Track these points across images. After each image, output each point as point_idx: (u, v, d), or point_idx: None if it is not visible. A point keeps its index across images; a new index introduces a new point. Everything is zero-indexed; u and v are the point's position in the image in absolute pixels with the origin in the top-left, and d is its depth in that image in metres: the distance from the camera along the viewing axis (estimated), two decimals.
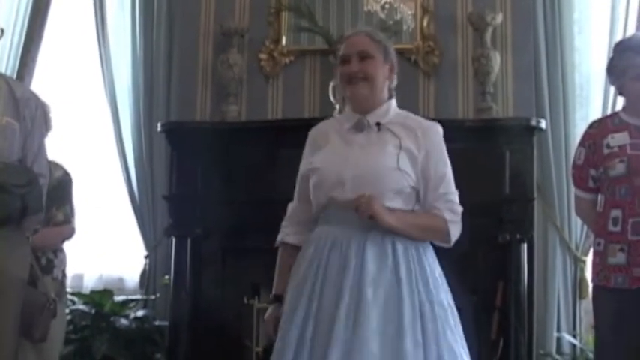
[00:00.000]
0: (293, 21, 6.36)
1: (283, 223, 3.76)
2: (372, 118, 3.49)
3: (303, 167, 3.64)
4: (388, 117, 3.52)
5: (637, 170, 4.08)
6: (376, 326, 3.20)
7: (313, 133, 3.70)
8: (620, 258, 4.09)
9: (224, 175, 5.92)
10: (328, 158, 3.47)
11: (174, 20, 6.73)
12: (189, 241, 6.00)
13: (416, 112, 5.85)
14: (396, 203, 3.37)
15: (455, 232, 3.44)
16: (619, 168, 4.13)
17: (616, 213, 4.14)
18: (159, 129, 6.21)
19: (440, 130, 3.54)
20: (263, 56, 6.33)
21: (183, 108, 6.43)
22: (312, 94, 6.25)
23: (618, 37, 5.89)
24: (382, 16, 6.22)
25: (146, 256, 6.66)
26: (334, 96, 5.97)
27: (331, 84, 5.98)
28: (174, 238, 6.05)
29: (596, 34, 6.24)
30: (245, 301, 5.90)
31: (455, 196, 3.48)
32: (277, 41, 6.36)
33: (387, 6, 6.24)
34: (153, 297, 6.58)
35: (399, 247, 3.36)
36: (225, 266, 6.02)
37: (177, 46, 6.68)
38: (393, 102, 3.59)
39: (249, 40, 6.36)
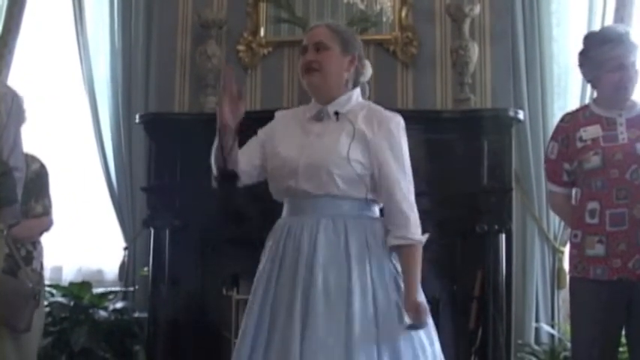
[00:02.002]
0: (271, 12, 6.34)
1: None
2: (331, 108, 3.53)
3: (262, 132, 3.70)
4: (348, 106, 3.55)
5: (612, 162, 4.10)
6: (324, 312, 3.25)
7: (279, 115, 3.76)
8: (599, 250, 4.11)
9: (202, 167, 5.84)
10: (285, 147, 3.52)
11: (153, 11, 6.70)
12: (167, 232, 5.98)
13: (394, 103, 5.96)
14: (348, 191, 3.42)
15: (419, 233, 3.46)
16: (594, 160, 4.15)
17: (593, 205, 4.15)
18: (137, 120, 6.19)
19: (400, 121, 3.56)
20: (241, 47, 6.33)
21: (162, 99, 6.43)
22: (290, 85, 6.25)
23: (596, 28, 5.91)
24: (362, 7, 6.22)
25: (125, 248, 6.63)
26: None
27: None
28: (153, 230, 6.03)
29: (574, 26, 6.23)
30: (224, 292, 5.90)
31: (409, 194, 3.48)
32: (255, 32, 6.36)
33: None
34: (132, 289, 6.57)
35: (352, 232, 3.40)
36: (203, 258, 6.01)
37: (155, 38, 6.66)
38: (356, 92, 3.62)
39: (227, 31, 6.36)
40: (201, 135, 5.88)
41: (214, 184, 3.74)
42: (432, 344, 3.40)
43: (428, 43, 6.24)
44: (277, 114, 3.77)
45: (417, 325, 3.29)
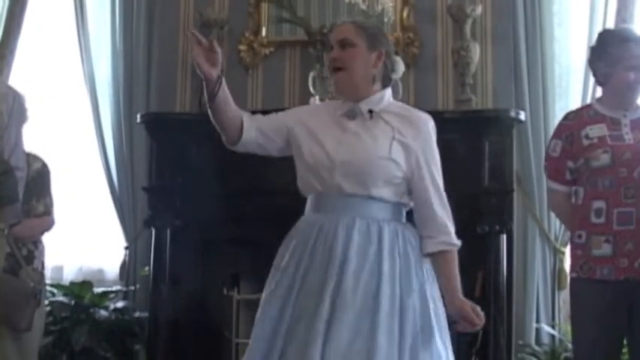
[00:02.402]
0: (273, 12, 6.34)
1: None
2: (364, 106, 3.46)
3: (286, 115, 3.62)
4: (381, 105, 3.48)
5: (621, 161, 4.09)
6: (351, 321, 3.17)
7: (313, 104, 3.83)
8: (606, 249, 4.09)
9: (204, 166, 5.90)
10: (324, 139, 3.44)
11: (154, 11, 6.70)
12: (168, 232, 5.98)
13: None
14: (385, 192, 3.37)
15: (456, 237, 3.47)
16: (604, 158, 4.13)
17: (599, 204, 4.13)
18: (138, 120, 6.19)
19: (431, 122, 3.50)
20: (243, 47, 6.33)
21: (163, 99, 6.42)
22: (291, 85, 6.25)
23: (598, 30, 5.87)
24: (363, 7, 6.20)
25: (126, 248, 6.64)
26: (314, 87, 5.98)
27: (311, 75, 5.99)
28: (154, 230, 6.03)
29: (575, 26, 6.24)
30: (225, 292, 5.90)
31: (444, 199, 3.45)
32: (257, 32, 6.36)
33: None
34: (132, 288, 6.57)
35: (386, 237, 3.34)
36: (204, 258, 6.01)
37: (156, 37, 6.66)
38: (388, 91, 3.54)
39: (228, 31, 6.35)
40: (203, 135, 5.93)
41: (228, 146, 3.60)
42: (446, 349, 3.36)
43: (429, 44, 6.23)
44: (312, 105, 3.78)
45: (468, 325, 3.32)
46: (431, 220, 3.42)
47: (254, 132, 3.51)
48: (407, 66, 6.11)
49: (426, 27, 6.25)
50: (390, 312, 3.22)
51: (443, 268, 3.43)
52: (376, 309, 3.21)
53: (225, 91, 3.42)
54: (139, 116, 6.19)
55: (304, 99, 6.05)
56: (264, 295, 3.43)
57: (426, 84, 6.15)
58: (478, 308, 3.36)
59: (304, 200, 5.49)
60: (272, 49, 6.38)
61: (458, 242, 3.46)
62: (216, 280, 5.96)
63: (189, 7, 6.46)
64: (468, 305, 3.36)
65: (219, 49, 3.32)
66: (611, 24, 5.96)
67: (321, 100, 5.91)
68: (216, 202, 5.81)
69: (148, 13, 6.73)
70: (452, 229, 3.44)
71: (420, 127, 3.44)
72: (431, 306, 3.34)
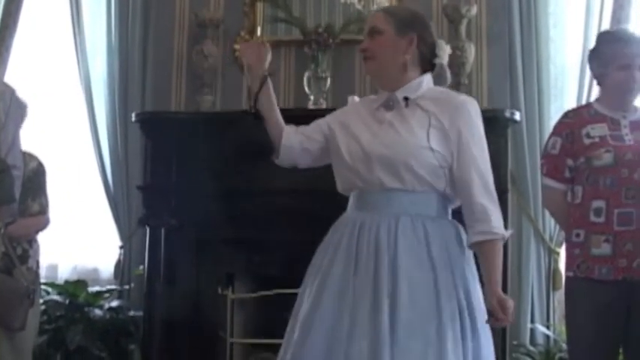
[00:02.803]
0: (268, 11, 6.32)
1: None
2: (400, 94, 3.36)
3: (334, 119, 3.54)
4: (419, 92, 3.37)
5: (623, 161, 4.11)
6: (417, 328, 3.07)
7: (352, 102, 3.72)
8: (605, 249, 4.11)
9: (199, 166, 5.89)
10: (360, 134, 3.36)
11: (150, 10, 6.68)
12: (163, 231, 5.97)
13: None
14: (427, 185, 3.25)
15: (502, 227, 3.30)
16: (606, 158, 4.14)
17: (598, 204, 4.15)
18: (133, 119, 6.17)
19: (477, 106, 3.41)
20: (238, 47, 6.30)
21: (159, 98, 6.40)
22: (287, 84, 6.22)
23: (593, 30, 5.93)
24: (359, 7, 6.19)
25: (121, 247, 6.64)
26: (309, 87, 5.97)
27: (306, 74, 5.98)
28: (148, 229, 6.02)
29: (571, 27, 6.26)
30: (219, 291, 5.89)
31: (489, 185, 3.32)
32: (252, 32, 6.31)
33: None
34: (127, 287, 6.57)
35: (432, 235, 3.23)
36: (199, 257, 5.99)
37: (152, 36, 6.65)
38: (427, 77, 3.44)
39: (224, 31, 6.33)
40: (198, 134, 5.95)
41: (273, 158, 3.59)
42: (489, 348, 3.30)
43: None
44: (350, 100, 3.72)
45: (502, 321, 3.17)
46: (474, 209, 3.26)
47: (296, 136, 3.51)
48: None
49: None
50: (452, 315, 3.13)
51: (483, 259, 3.26)
52: (439, 314, 3.11)
53: (270, 93, 3.48)
54: (133, 115, 6.17)
55: (299, 99, 6.04)
56: (305, 290, 3.35)
57: None
58: (509, 303, 3.16)
59: (301, 200, 5.55)
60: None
61: (502, 232, 3.27)
62: (210, 280, 5.95)
63: (185, 6, 6.44)
64: (495, 298, 3.17)
65: (268, 46, 3.46)
66: (606, 25, 5.98)
67: (316, 100, 5.92)
68: (211, 202, 5.80)
69: (144, 12, 6.72)
70: (495, 216, 3.26)
71: (460, 109, 3.32)
72: (478, 305, 3.25)
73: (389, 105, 3.39)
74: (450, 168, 3.28)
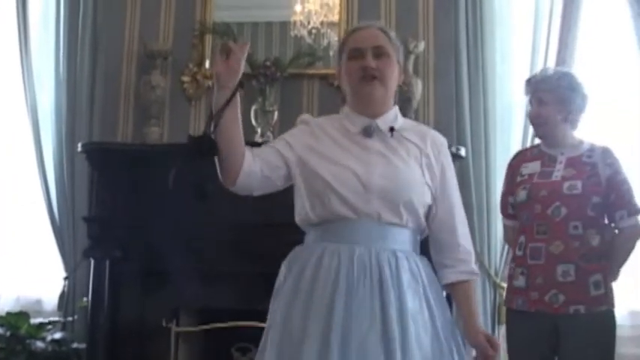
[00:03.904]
0: (218, 44, 6.31)
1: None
2: (382, 123, 3.18)
3: (296, 143, 3.22)
4: (398, 123, 3.22)
5: (537, 197, 4.29)
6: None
7: (312, 122, 3.30)
8: (521, 281, 4.33)
9: (144, 197, 5.86)
10: (341, 161, 3.11)
11: (99, 40, 6.66)
12: (107, 263, 5.92)
13: None
14: (416, 221, 3.13)
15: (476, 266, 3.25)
16: (521, 195, 4.38)
17: (521, 238, 4.38)
18: (79, 149, 6.12)
19: (445, 142, 3.33)
20: (186, 78, 6.30)
21: (106, 128, 6.37)
22: None
23: (539, 67, 5.99)
24: (309, 41, 6.25)
25: (65, 278, 6.57)
26: (256, 120, 5.97)
27: (253, 108, 5.99)
28: (93, 260, 5.96)
29: (518, 63, 6.32)
30: (164, 324, 5.84)
31: (466, 225, 3.26)
32: (200, 64, 6.34)
33: (313, 31, 6.27)
34: (71, 319, 6.49)
35: (424, 274, 3.12)
36: (144, 289, 5.95)
37: (100, 66, 6.62)
38: (396, 107, 3.30)
39: (172, 62, 6.33)
40: (144, 166, 5.92)
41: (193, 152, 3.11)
42: None
43: None
44: (309, 119, 3.34)
45: (492, 358, 3.11)
46: (453, 248, 3.19)
47: (255, 161, 3.15)
48: None
49: None
50: (450, 356, 3.06)
51: (463, 298, 3.19)
52: (441, 356, 3.02)
53: (237, 108, 3.06)
54: (80, 145, 6.13)
55: (246, 132, 5.97)
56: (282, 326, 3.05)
57: None
58: (495, 338, 3.16)
59: (246, 232, 5.52)
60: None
61: (477, 272, 3.23)
62: (155, 312, 5.90)
63: (134, 38, 6.43)
64: (482, 335, 3.13)
65: (243, 61, 3.02)
66: (552, 62, 6.05)
67: (263, 133, 5.91)
68: (156, 234, 5.76)
69: (93, 41, 6.69)
70: (473, 257, 3.23)
71: (443, 147, 3.27)
72: (461, 342, 3.17)
73: (368, 132, 3.17)
74: (431, 206, 3.18)
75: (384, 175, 3.07)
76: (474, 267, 3.22)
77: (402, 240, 3.10)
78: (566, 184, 4.26)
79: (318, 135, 3.23)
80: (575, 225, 4.22)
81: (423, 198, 3.12)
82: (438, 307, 3.09)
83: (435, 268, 3.23)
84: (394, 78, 3.23)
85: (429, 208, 3.18)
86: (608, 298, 4.25)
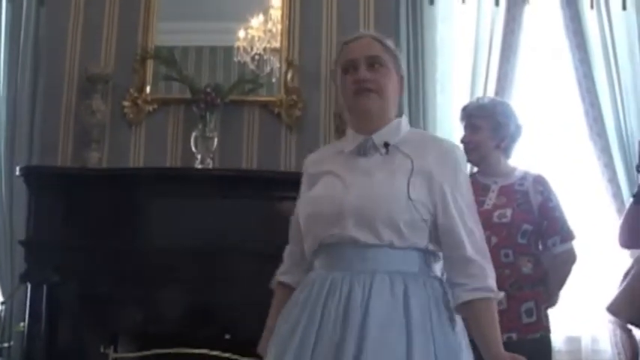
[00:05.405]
0: (159, 69, 6.30)
1: (281, 265, 3.24)
2: (378, 139, 2.96)
3: (299, 206, 3.09)
4: (399, 136, 2.98)
5: None
6: None
7: (307, 165, 3.18)
8: None
9: (83, 222, 5.82)
10: (324, 188, 2.97)
11: (40, 62, 6.63)
12: (45, 288, 5.87)
13: (277, 165, 5.97)
14: (405, 241, 2.84)
15: (495, 285, 2.89)
16: None
17: None
18: (17, 172, 6.08)
19: (459, 150, 3.07)
20: (127, 103, 6.26)
21: (46, 152, 6.31)
22: (174, 143, 6.18)
23: (479, 96, 6.05)
24: (253, 67, 6.26)
25: (2, 303, 6.49)
26: (196, 146, 5.96)
27: (193, 134, 5.98)
28: (30, 285, 5.91)
29: (457, 93, 6.38)
30: (102, 349, 5.80)
31: (481, 241, 2.95)
32: (142, 89, 6.31)
33: (257, 57, 6.28)
34: (7, 345, 6.42)
35: (414, 297, 2.81)
36: (82, 314, 5.90)
37: (41, 89, 6.55)
38: (405, 119, 3.08)
39: (113, 87, 6.30)
40: (83, 190, 5.88)
41: None
42: None
43: (312, 107, 6.25)
44: (305, 165, 3.20)
45: None
46: (465, 264, 2.86)
47: (299, 270, 3.13)
48: (289, 128, 6.15)
49: (309, 90, 6.27)
50: None
51: (477, 319, 2.84)
52: None
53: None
54: (18, 169, 6.08)
55: (186, 157, 6.02)
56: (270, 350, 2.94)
57: (308, 146, 6.11)
58: (522, 358, 2.74)
59: (184, 259, 5.52)
60: (156, 106, 6.30)
61: (496, 290, 2.86)
62: (93, 338, 5.85)
63: (75, 60, 6.37)
64: (507, 357, 2.76)
65: None
66: (491, 92, 6.12)
67: (203, 160, 5.90)
68: (95, 258, 5.73)
69: (34, 64, 6.66)
70: (490, 273, 2.88)
71: (446, 156, 2.96)
72: None
73: (364, 150, 2.98)
74: (435, 220, 2.89)
75: (360, 195, 2.85)
76: (491, 283, 2.86)
77: (388, 260, 2.84)
78: (496, 213, 4.27)
79: (312, 174, 3.12)
80: (506, 253, 4.23)
81: (406, 215, 2.81)
82: (423, 333, 2.76)
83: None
84: (393, 88, 3.02)
85: (435, 224, 2.91)
86: (541, 325, 4.26)
